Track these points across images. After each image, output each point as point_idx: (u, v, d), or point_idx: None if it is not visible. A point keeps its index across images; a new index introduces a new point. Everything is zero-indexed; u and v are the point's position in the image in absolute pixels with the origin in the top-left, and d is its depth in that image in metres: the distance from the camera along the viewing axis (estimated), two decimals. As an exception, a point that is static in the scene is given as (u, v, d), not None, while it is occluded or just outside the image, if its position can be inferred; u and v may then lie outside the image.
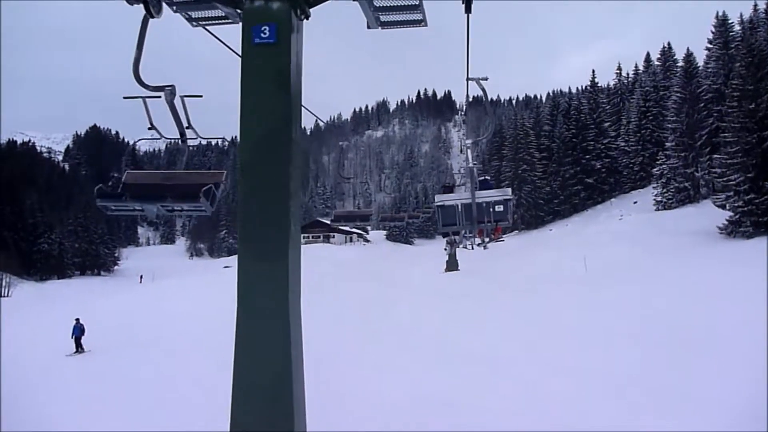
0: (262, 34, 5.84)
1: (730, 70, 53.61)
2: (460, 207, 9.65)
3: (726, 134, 42.55)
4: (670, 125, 58.92)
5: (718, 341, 16.86)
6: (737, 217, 38.26)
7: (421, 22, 6.79)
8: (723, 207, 39.99)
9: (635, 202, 66.12)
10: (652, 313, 21.45)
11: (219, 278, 43.31)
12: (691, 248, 37.09)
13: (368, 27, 6.81)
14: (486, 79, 9.89)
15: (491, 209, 9.52)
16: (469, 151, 11.99)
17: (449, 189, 13.03)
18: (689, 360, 15.76)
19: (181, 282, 47.20)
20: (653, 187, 60.49)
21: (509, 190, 9.95)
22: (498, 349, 19.52)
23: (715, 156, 45.62)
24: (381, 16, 6.63)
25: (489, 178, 11.63)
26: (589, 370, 15.96)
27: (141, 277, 67.20)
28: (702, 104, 55.22)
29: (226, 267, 61.48)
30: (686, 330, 18.55)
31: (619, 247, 41.91)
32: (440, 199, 10.02)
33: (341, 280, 39.73)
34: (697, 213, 48.16)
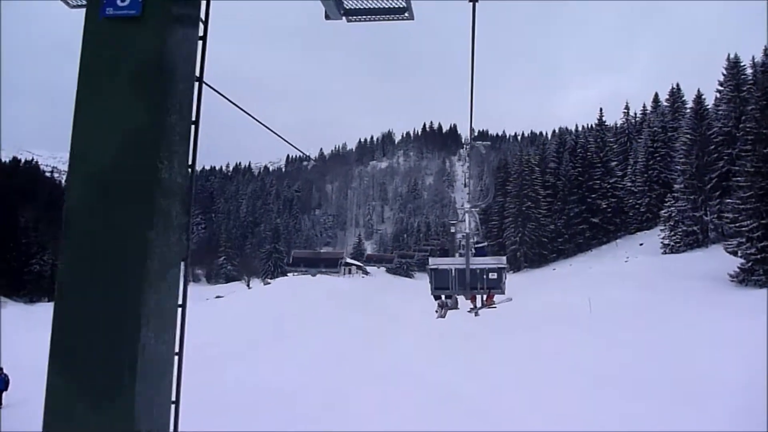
0: (118, 1, 3.26)
1: (741, 113, 52.56)
2: (454, 272, 9.56)
3: (739, 178, 41.35)
4: (679, 167, 57.79)
5: (724, 395, 16.03)
6: (749, 264, 36.82)
7: (403, 12, 4.39)
8: (735, 254, 38.60)
9: (641, 244, 64.74)
10: (657, 363, 20.30)
11: (209, 309, 41.93)
12: (701, 295, 35.50)
13: (326, 17, 4.65)
14: (488, 144, 10.71)
15: (485, 276, 9.46)
16: (468, 216, 12.53)
17: (444, 253, 12.47)
18: (692, 414, 15.01)
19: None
20: (660, 230, 59.16)
21: (504, 258, 9.78)
22: (498, 400, 18.34)
23: (727, 200, 44.34)
24: (345, 1, 4.38)
25: (486, 244, 11.61)
26: (588, 422, 15.20)
27: None
28: (712, 146, 54.08)
29: (217, 297, 59.82)
30: (692, 382, 17.70)
31: (625, 291, 40.28)
32: (434, 262, 10.00)
33: (335, 315, 38.34)
34: (706, 258, 46.68)
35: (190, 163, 3.72)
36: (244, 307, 40.51)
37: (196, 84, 3.77)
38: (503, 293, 10.29)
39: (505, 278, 9.92)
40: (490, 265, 9.79)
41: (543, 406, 17.34)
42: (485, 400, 18.46)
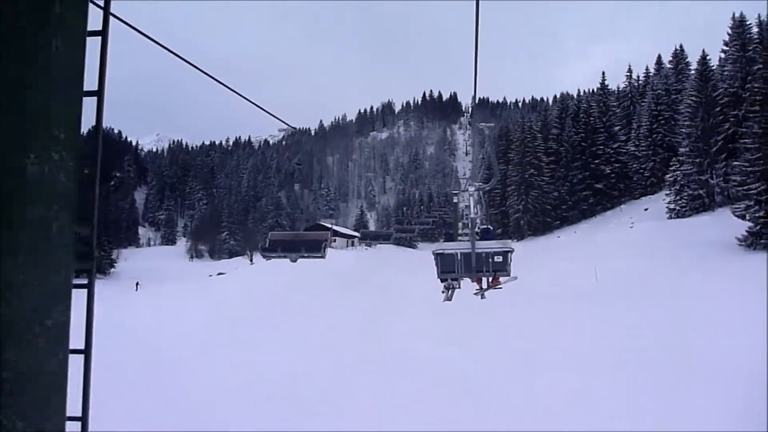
0: None
1: (747, 73, 51.38)
2: (459, 256, 9.62)
3: (746, 140, 40.36)
4: (683, 130, 56.76)
5: (739, 372, 15.33)
6: (758, 228, 36.00)
7: None
8: (742, 217, 37.80)
9: (646, 209, 63.94)
10: (667, 339, 19.64)
11: (209, 288, 41.43)
12: (710, 261, 34.76)
13: None
14: (491, 125, 10.18)
15: (491, 260, 9.46)
16: (471, 199, 12.15)
17: (450, 237, 12.80)
18: (698, 396, 14.53)
19: (173, 289, 45.12)
20: (665, 194, 58.31)
21: (510, 241, 9.93)
22: (502, 380, 17.84)
23: (735, 163, 43.39)
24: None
25: (491, 227, 11.77)
26: (594, 405, 15.05)
27: (137, 284, 64.46)
28: (718, 108, 52.98)
29: (219, 274, 59.33)
30: (703, 359, 17.04)
31: (632, 258, 39.63)
32: (440, 247, 10.10)
33: (337, 292, 37.79)
34: (712, 222, 45.94)
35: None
36: (245, 285, 39.99)
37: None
38: (509, 275, 10.14)
39: (511, 261, 9.83)
40: (495, 249, 9.72)
41: (545, 387, 16.86)
42: (488, 380, 17.97)
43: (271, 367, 20.92)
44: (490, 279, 11.30)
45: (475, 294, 12.58)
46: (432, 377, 18.80)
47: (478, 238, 10.35)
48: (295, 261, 10.56)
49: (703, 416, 13.41)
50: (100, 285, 68.14)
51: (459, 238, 26.82)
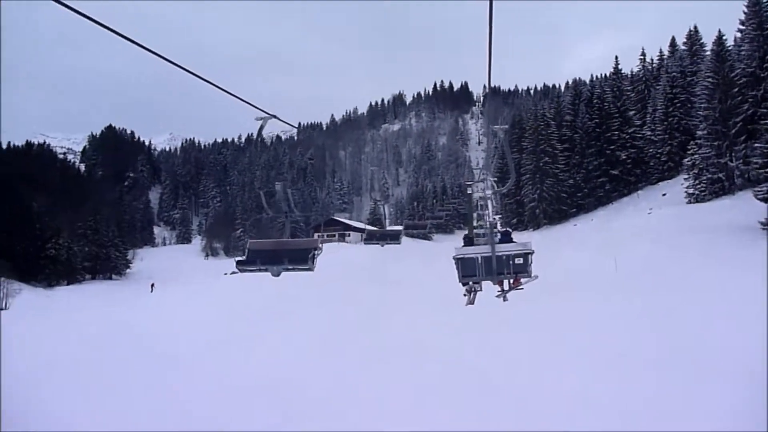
0: None
1: (766, 51, 50.17)
2: (480, 260, 9.78)
3: (767, 121, 39.28)
4: (701, 113, 55.49)
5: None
6: (782, 211, 34.99)
7: None
8: (765, 200, 36.72)
9: (664, 195, 62.81)
10: (690, 336, 18.84)
11: (225, 286, 41.04)
12: (733, 247, 33.68)
13: None
14: (506, 127, 11.44)
15: (511, 262, 9.61)
16: (489, 202, 13.15)
17: (470, 241, 12.39)
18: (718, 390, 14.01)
19: (187, 289, 44.86)
20: (684, 178, 57.15)
21: (531, 243, 9.75)
22: (515, 376, 17.34)
23: (756, 144, 42.25)
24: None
25: (510, 230, 11.94)
26: (609, 403, 14.53)
27: (152, 285, 64.27)
28: (736, 89, 51.68)
29: (233, 272, 58.82)
30: (727, 355, 16.36)
31: (652, 246, 38.69)
32: (460, 252, 10.11)
33: (351, 288, 37.29)
34: (733, 206, 44.79)
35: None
36: (257, 284, 39.47)
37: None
38: (530, 276, 10.07)
39: (531, 262, 9.70)
40: (516, 251, 9.73)
41: (558, 384, 16.37)
42: (502, 377, 17.46)
43: (282, 366, 20.47)
44: (512, 281, 11.35)
45: (497, 296, 12.52)
46: (439, 368, 18.38)
47: (498, 241, 10.42)
48: (277, 275, 9.26)
49: (716, 416, 13.03)
50: (116, 286, 68.39)
51: (474, 231, 26.09)
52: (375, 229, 32.07)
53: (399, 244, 23.16)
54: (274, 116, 8.89)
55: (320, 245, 10.23)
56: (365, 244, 22.93)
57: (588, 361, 18.15)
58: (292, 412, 16.20)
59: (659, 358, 17.40)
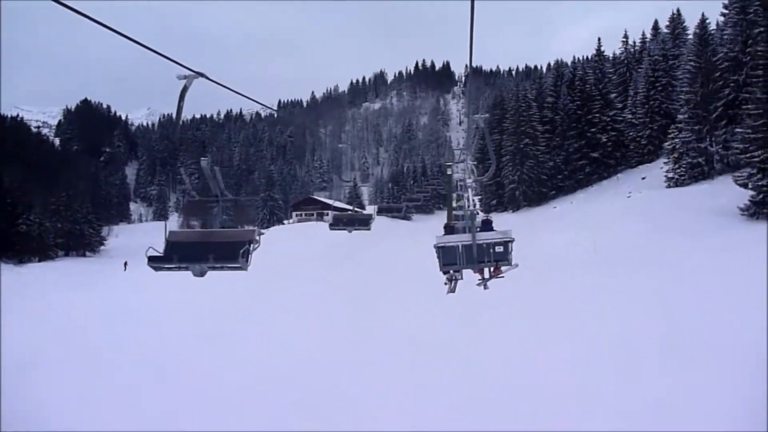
0: None
1: (748, 36, 49.93)
2: (461, 248, 9.83)
3: (748, 106, 39.10)
4: (682, 96, 55.28)
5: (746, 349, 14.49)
6: (761, 197, 34.91)
7: None
8: (745, 186, 36.63)
9: (644, 178, 62.83)
10: (670, 319, 18.78)
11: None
12: (712, 231, 33.65)
13: None
14: (486, 116, 9.95)
15: (492, 250, 9.73)
16: (470, 190, 14.10)
17: (451, 230, 12.44)
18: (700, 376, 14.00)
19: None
20: (664, 162, 57.15)
21: (511, 231, 9.95)
22: (499, 364, 16.95)
23: (737, 129, 42.18)
24: None
25: (492, 219, 11.90)
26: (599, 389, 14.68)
27: (125, 264, 62.76)
28: (718, 74, 51.53)
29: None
30: (704, 338, 16.54)
31: (631, 228, 38.55)
32: (441, 240, 10.12)
33: (328, 269, 36.69)
34: (712, 191, 44.83)
35: None
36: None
37: None
38: (510, 264, 10.22)
39: (512, 250, 9.90)
40: (496, 239, 9.85)
41: (541, 371, 16.19)
42: (486, 365, 17.12)
43: (258, 357, 19.94)
44: (492, 269, 11.39)
45: (477, 284, 12.42)
46: (423, 357, 17.96)
47: (478, 229, 10.35)
48: (200, 275, 7.91)
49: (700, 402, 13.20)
50: (89, 263, 66.91)
51: (454, 212, 25.68)
52: (341, 213, 28.16)
53: (368, 230, 20.77)
54: (201, 74, 7.17)
55: (257, 237, 8.60)
56: (330, 229, 19.91)
57: (573, 345, 17.92)
58: (274, 413, 15.71)
59: (650, 344, 17.23)
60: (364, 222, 19.66)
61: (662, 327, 18.40)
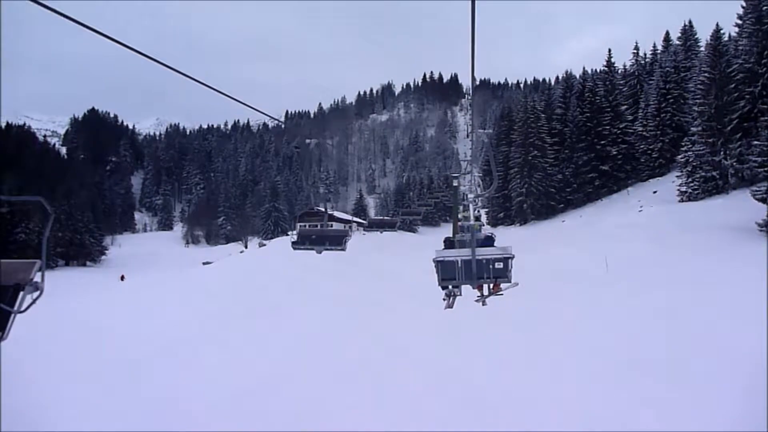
0: None
1: (764, 47, 48.60)
2: (460, 263, 9.87)
3: (766, 118, 37.72)
4: (696, 108, 53.88)
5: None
6: (781, 212, 33.40)
7: None
8: (763, 200, 35.13)
9: (655, 192, 61.31)
10: (681, 334, 17.58)
11: (197, 277, 38.91)
12: (728, 247, 32.14)
13: None
14: (490, 131, 9.17)
15: (491, 266, 9.72)
16: (471, 206, 13.32)
17: (451, 244, 12.29)
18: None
19: (158, 280, 42.62)
20: (676, 176, 55.71)
21: (511, 248, 9.80)
22: (504, 386, 15.75)
23: (755, 142, 40.71)
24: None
25: (494, 235, 11.87)
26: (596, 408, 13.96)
27: (122, 277, 61.49)
28: (732, 85, 50.13)
29: (205, 263, 56.72)
30: (717, 357, 15.71)
31: (643, 244, 37.07)
32: (440, 254, 10.14)
33: (326, 283, 35.31)
34: (727, 205, 43.31)
35: None
36: (230, 276, 37.55)
37: None
38: (509, 281, 10.02)
39: (511, 267, 9.75)
40: (496, 255, 9.74)
41: (546, 390, 15.53)
42: (489, 386, 15.89)
43: (248, 370, 18.61)
44: (491, 285, 10.92)
45: (476, 301, 11.74)
46: (422, 375, 16.71)
47: (478, 245, 10.11)
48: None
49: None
50: (88, 273, 65.83)
51: (459, 224, 24.47)
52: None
53: (342, 250, 21.14)
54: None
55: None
56: (293, 248, 19.09)
57: (580, 364, 16.75)
58: (259, 421, 14.49)
59: (652, 359, 16.34)
60: (337, 240, 17.27)
61: (672, 343, 17.37)
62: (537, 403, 14.92)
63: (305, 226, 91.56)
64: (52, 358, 19.97)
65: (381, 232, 23.51)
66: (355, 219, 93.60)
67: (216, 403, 16.16)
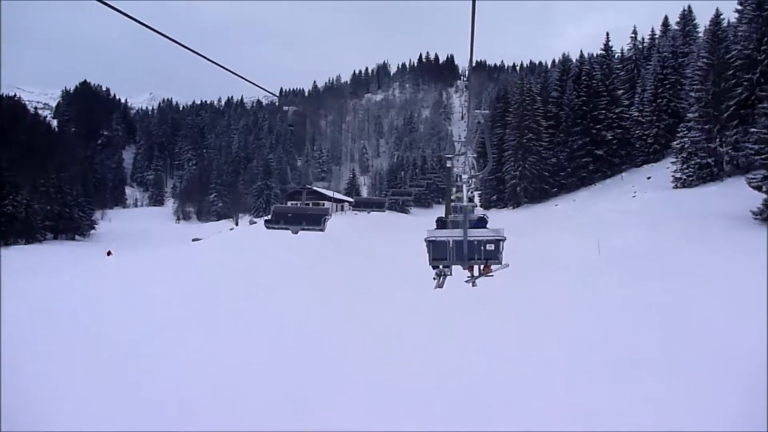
0: None
1: (764, 33, 47.96)
2: (451, 243, 9.88)
3: (764, 105, 37.22)
4: (692, 94, 53.33)
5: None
6: (776, 200, 33.08)
7: None
8: (759, 188, 34.80)
9: (649, 178, 60.96)
10: (679, 329, 17.38)
11: (177, 257, 38.29)
12: (722, 235, 31.85)
13: None
14: (487, 112, 11.28)
15: (483, 248, 9.73)
16: (465, 186, 13.46)
17: (443, 224, 12.13)
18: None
19: (145, 257, 42.00)
20: (671, 162, 55.28)
21: (503, 230, 9.85)
22: (498, 376, 15.39)
23: (752, 129, 40.25)
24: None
25: (487, 216, 11.65)
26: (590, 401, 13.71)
27: (109, 252, 60.47)
28: (731, 71, 49.56)
29: (194, 240, 56.05)
30: (710, 348, 15.56)
31: (637, 230, 36.76)
32: (432, 234, 10.15)
33: (317, 263, 34.87)
34: (722, 193, 43.06)
35: None
36: (218, 254, 37.01)
37: None
38: (500, 263, 10.02)
39: (503, 249, 9.79)
40: (487, 237, 9.79)
41: (537, 382, 15.24)
42: (482, 380, 15.50)
43: (233, 356, 18.16)
44: (482, 267, 10.93)
45: (466, 281, 11.63)
46: (416, 368, 16.33)
47: (471, 226, 10.16)
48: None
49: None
50: (76, 247, 65.05)
51: (453, 204, 24.04)
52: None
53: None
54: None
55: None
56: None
57: (575, 359, 16.38)
58: (245, 411, 14.07)
59: (647, 352, 16.17)
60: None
61: (667, 330, 17.17)
62: (529, 398, 14.59)
63: (296, 204, 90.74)
64: (26, 342, 19.45)
65: (368, 212, 22.95)
66: (348, 198, 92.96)
67: (197, 394, 15.71)
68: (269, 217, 11.23)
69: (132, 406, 14.68)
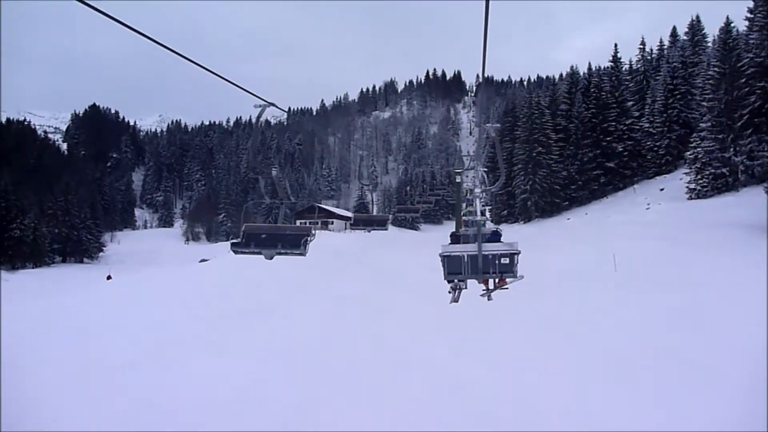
0: None
1: (776, 40, 47.29)
2: (466, 258, 9.80)
3: (780, 113, 36.49)
4: (705, 104, 52.62)
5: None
6: (795, 210, 32.22)
7: None
8: (777, 198, 33.99)
9: (662, 189, 60.06)
10: (693, 338, 16.68)
11: (191, 276, 37.74)
12: (740, 246, 30.88)
13: None
14: (497, 126, 12.12)
15: (497, 261, 9.65)
16: (477, 200, 13.35)
17: (456, 239, 12.36)
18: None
19: (149, 276, 41.42)
20: (684, 173, 54.44)
21: (517, 243, 9.65)
22: (509, 391, 14.86)
23: (767, 138, 39.48)
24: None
25: (500, 230, 11.65)
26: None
27: (109, 276, 59.00)
28: (743, 80, 48.80)
29: (202, 261, 55.28)
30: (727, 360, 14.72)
31: (652, 243, 35.77)
32: (446, 249, 10.01)
33: (324, 282, 34.17)
34: (738, 203, 42.16)
35: None
36: (224, 275, 36.40)
37: None
38: (515, 276, 9.99)
39: (517, 262, 9.64)
40: (502, 251, 9.67)
41: (556, 399, 14.52)
42: (496, 391, 14.90)
43: (237, 373, 17.49)
44: (497, 280, 11.11)
45: (481, 295, 11.98)
46: (423, 380, 15.71)
47: (485, 240, 10.06)
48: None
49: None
50: (84, 270, 64.57)
51: (463, 218, 23.34)
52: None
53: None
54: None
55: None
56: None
57: (591, 373, 15.64)
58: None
59: (656, 366, 15.33)
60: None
61: (680, 342, 16.61)
62: (544, 413, 13.84)
63: (305, 223, 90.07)
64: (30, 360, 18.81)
65: (368, 231, 21.68)
66: (346, 213, 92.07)
67: (204, 408, 15.07)
68: (238, 240, 9.50)
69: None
